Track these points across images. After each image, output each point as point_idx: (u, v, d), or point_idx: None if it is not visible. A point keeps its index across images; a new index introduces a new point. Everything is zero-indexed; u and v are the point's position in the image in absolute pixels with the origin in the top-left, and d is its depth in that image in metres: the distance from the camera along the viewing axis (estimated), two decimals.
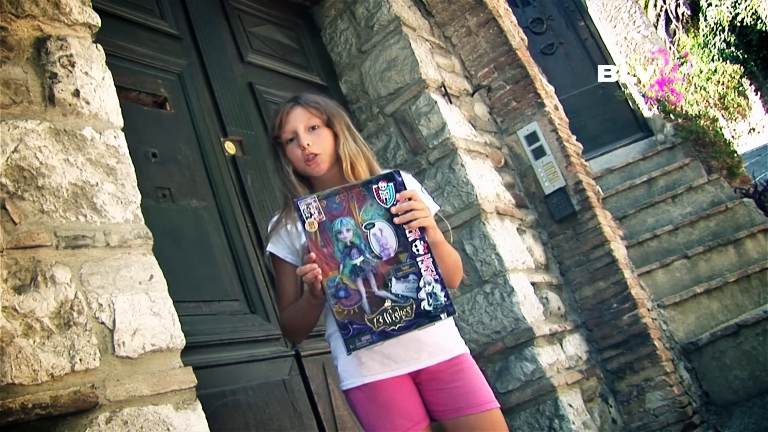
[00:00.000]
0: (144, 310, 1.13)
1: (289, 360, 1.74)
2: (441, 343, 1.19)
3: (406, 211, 1.06)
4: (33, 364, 0.97)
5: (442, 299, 1.04)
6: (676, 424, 2.35)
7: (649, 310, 2.62)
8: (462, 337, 1.26)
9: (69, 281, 1.06)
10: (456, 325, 1.28)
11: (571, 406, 2.11)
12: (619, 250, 2.67)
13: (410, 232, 1.06)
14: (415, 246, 1.06)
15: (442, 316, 1.04)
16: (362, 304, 1.03)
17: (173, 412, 1.07)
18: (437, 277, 1.05)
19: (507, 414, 2.13)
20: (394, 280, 1.03)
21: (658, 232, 3.34)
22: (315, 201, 1.04)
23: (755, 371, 2.61)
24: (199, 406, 1.12)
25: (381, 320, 1.02)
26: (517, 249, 2.36)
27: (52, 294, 1.03)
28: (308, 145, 1.19)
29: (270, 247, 1.23)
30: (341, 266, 1.03)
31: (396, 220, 1.05)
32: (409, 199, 1.06)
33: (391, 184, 1.07)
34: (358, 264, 1.04)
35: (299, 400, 1.68)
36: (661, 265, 3.09)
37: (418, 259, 1.05)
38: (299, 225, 1.18)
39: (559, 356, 2.24)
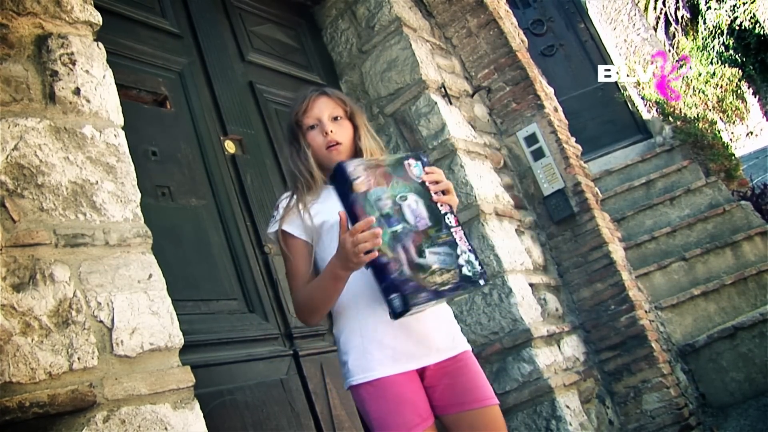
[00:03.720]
0: (143, 309, 1.13)
1: (287, 359, 1.74)
2: (448, 339, 1.20)
3: (438, 185, 1.11)
4: (31, 363, 0.96)
5: (477, 267, 1.09)
6: (672, 425, 2.36)
7: (646, 311, 2.63)
8: None
9: (68, 280, 1.06)
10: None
11: (568, 407, 2.11)
12: (618, 251, 2.68)
13: (441, 206, 1.10)
14: (448, 218, 1.10)
15: (480, 281, 1.08)
16: (403, 271, 1.03)
17: (171, 411, 1.07)
18: (470, 247, 1.10)
19: (504, 415, 2.12)
20: (427, 251, 1.05)
21: (656, 234, 3.35)
22: (362, 164, 1.06)
23: (751, 373, 2.62)
24: (197, 405, 1.12)
25: (432, 280, 1.04)
26: (515, 250, 2.36)
27: (51, 292, 1.03)
28: (331, 131, 1.21)
29: (284, 226, 1.21)
30: (381, 236, 1.02)
31: (433, 188, 1.10)
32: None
33: (419, 162, 1.12)
34: (399, 231, 1.04)
35: (297, 399, 1.68)
36: (658, 267, 3.10)
37: (452, 230, 1.09)
38: (311, 209, 1.18)
39: (557, 357, 2.24)
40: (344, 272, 1.08)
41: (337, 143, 1.21)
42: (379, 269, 1.02)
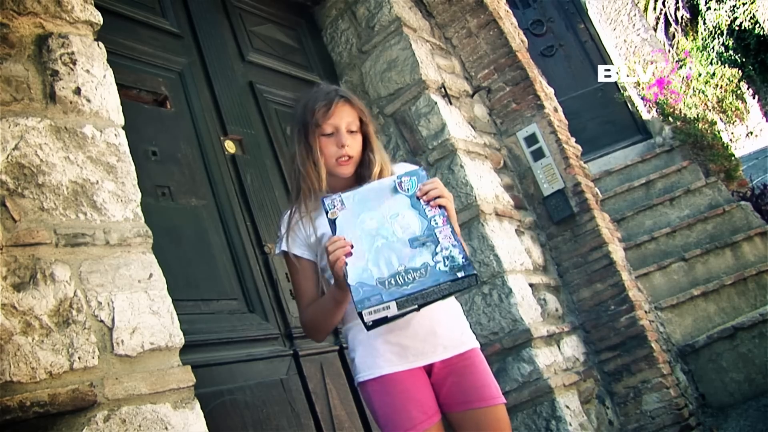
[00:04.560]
0: (143, 309, 1.13)
1: (287, 359, 1.74)
2: (456, 336, 1.20)
3: (429, 193, 1.11)
4: (31, 362, 0.97)
5: (460, 260, 1.04)
6: (672, 426, 2.36)
7: (646, 312, 2.63)
8: None
9: (68, 279, 1.06)
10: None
11: (568, 407, 2.11)
12: (617, 252, 2.68)
13: (430, 210, 1.10)
14: (434, 220, 1.09)
15: (459, 274, 1.04)
16: (381, 280, 1.04)
17: (171, 410, 1.07)
18: (455, 243, 1.07)
19: None
20: (417, 258, 1.05)
21: (656, 235, 3.35)
22: (339, 197, 1.12)
23: (751, 374, 2.62)
24: (197, 405, 1.12)
25: (393, 282, 1.03)
26: (515, 250, 2.36)
27: (52, 292, 1.03)
28: (347, 146, 1.20)
29: (285, 246, 1.22)
30: (368, 254, 1.06)
31: (418, 192, 1.10)
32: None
33: (413, 177, 1.13)
34: (380, 245, 1.06)
35: (297, 399, 1.68)
36: (658, 268, 3.10)
37: (436, 230, 1.08)
38: (315, 222, 1.20)
39: (557, 358, 2.25)
40: (340, 293, 1.10)
41: (350, 157, 1.21)
42: (345, 277, 1.04)
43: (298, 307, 1.25)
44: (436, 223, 1.09)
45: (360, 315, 1.02)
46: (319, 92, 1.25)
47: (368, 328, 1.04)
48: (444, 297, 1.06)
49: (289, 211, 1.26)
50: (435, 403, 1.16)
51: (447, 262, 1.04)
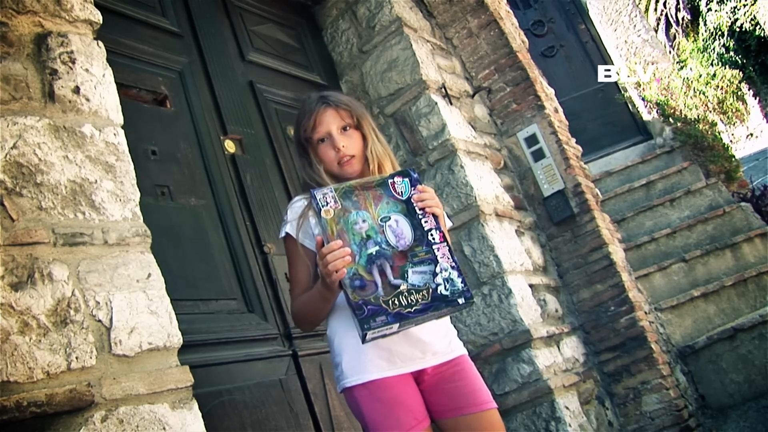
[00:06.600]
0: (141, 309, 1.12)
1: (286, 360, 1.74)
2: (444, 343, 1.20)
3: (424, 202, 1.10)
4: (29, 362, 0.96)
5: (459, 285, 1.05)
6: (672, 427, 2.35)
7: (646, 313, 2.63)
8: (459, 338, 1.27)
9: (66, 279, 1.05)
10: (453, 326, 1.29)
11: (567, 408, 2.11)
12: (617, 253, 2.68)
13: (426, 222, 1.08)
14: (431, 235, 1.08)
15: (459, 300, 1.04)
16: (378, 293, 1.03)
17: (169, 411, 1.07)
18: (453, 264, 1.06)
19: (504, 416, 2.13)
20: (410, 271, 1.04)
21: (656, 236, 3.35)
22: (331, 191, 1.08)
23: (751, 375, 2.62)
24: (196, 405, 1.12)
25: (396, 302, 1.02)
26: (515, 251, 2.36)
27: (49, 291, 1.03)
28: (343, 147, 1.20)
29: (294, 233, 1.21)
30: (357, 257, 1.04)
31: (415, 197, 1.09)
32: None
33: (406, 179, 1.11)
34: (374, 253, 1.04)
35: (296, 400, 1.68)
36: (658, 269, 3.10)
37: (434, 246, 1.07)
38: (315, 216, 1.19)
39: (557, 358, 2.24)
40: (328, 293, 1.09)
41: (351, 157, 1.21)
42: (345, 292, 1.03)
43: (290, 293, 1.25)
44: (434, 239, 1.07)
45: (361, 336, 1.01)
46: (304, 106, 1.26)
47: (365, 342, 1.04)
48: (440, 317, 1.08)
49: (300, 198, 1.25)
50: (424, 409, 1.15)
51: (448, 286, 1.04)
